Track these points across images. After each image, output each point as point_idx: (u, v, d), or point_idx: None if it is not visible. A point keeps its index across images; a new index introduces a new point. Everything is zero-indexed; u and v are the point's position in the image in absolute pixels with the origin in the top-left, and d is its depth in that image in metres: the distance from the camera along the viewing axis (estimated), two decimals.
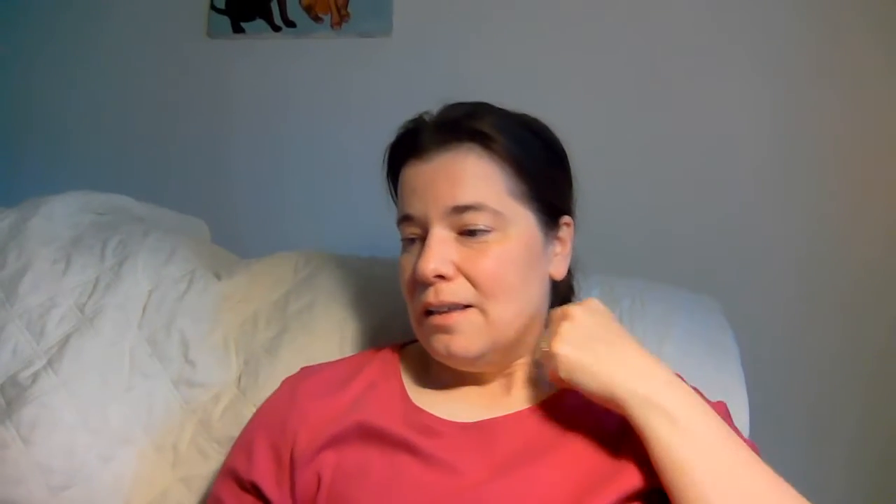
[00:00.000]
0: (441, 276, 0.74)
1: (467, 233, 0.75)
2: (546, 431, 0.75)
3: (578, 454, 0.72)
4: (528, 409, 0.78)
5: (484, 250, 0.75)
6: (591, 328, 0.72)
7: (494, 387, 0.81)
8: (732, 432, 0.68)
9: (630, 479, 0.69)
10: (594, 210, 1.25)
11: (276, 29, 1.46)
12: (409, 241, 0.79)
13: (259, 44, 1.47)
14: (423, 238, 0.77)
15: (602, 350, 0.70)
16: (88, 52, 1.52)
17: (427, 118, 0.82)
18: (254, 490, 0.75)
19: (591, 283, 1.07)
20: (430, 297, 0.75)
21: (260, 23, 1.47)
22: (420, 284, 0.76)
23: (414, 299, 0.78)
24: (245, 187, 1.47)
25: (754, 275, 1.31)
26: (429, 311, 0.76)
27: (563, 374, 0.71)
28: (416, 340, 0.90)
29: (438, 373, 0.84)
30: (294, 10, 1.46)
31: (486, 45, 1.41)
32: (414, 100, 1.37)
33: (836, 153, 1.30)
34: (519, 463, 0.72)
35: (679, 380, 0.71)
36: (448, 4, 1.43)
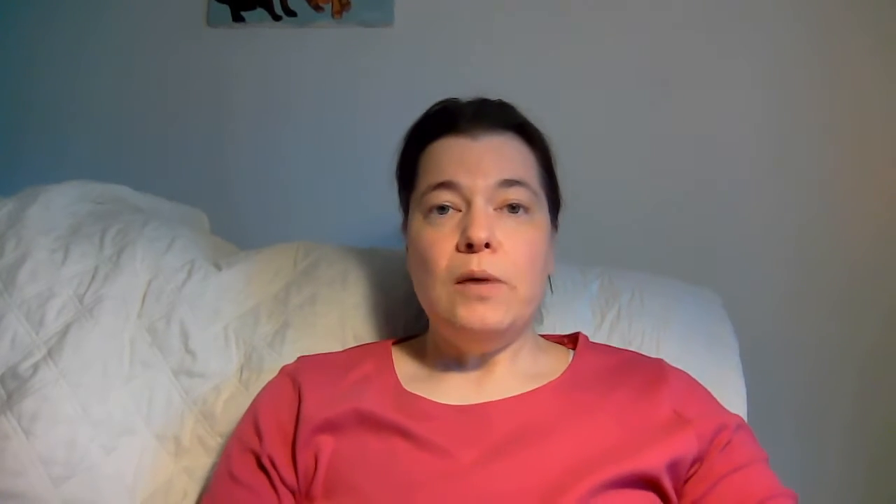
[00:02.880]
0: (488, 245, 0.77)
1: (509, 208, 0.79)
2: (542, 415, 0.76)
3: (575, 437, 0.73)
4: (524, 393, 0.79)
5: (522, 229, 0.79)
6: None
7: (483, 374, 0.83)
8: None
9: (634, 460, 0.71)
10: (594, 203, 1.26)
11: (277, 18, 1.45)
12: (438, 212, 0.80)
13: (259, 33, 1.46)
14: (457, 208, 0.79)
15: None
16: (86, 41, 1.51)
17: (462, 102, 0.86)
18: (270, 465, 0.76)
19: (590, 276, 1.07)
20: (474, 264, 0.76)
21: (260, 12, 1.46)
22: (460, 252, 0.77)
23: (447, 267, 0.78)
24: (244, 177, 1.46)
25: (754, 268, 1.32)
26: (462, 281, 0.77)
27: None
28: (409, 337, 0.92)
29: (433, 362, 0.85)
30: (294, 0, 1.45)
31: (488, 35, 1.40)
32: (416, 90, 1.39)
33: (831, 148, 1.30)
34: (514, 446, 0.73)
35: None
36: None
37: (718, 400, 0.83)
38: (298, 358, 0.88)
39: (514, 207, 0.80)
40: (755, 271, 1.31)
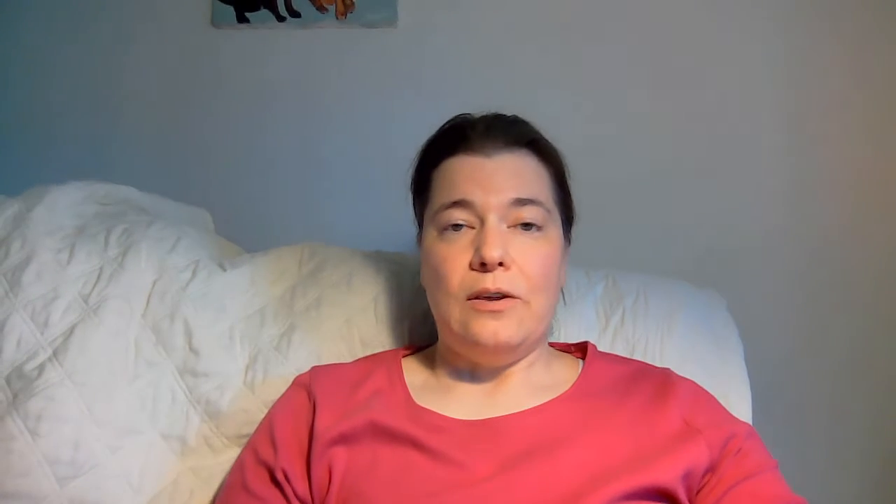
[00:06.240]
0: (501, 264, 0.77)
1: (522, 226, 0.80)
2: (555, 427, 0.76)
3: (589, 448, 0.74)
4: (536, 406, 0.79)
5: (535, 245, 0.80)
6: None
7: (497, 385, 0.83)
8: None
9: (650, 472, 0.71)
10: (600, 204, 1.26)
11: (281, 19, 1.45)
12: (452, 229, 0.80)
13: (263, 34, 1.46)
14: (471, 226, 0.80)
15: None
16: (90, 40, 1.50)
17: (475, 118, 0.86)
18: (284, 479, 0.77)
19: (595, 278, 1.07)
20: (488, 283, 0.77)
21: (264, 13, 1.45)
22: (473, 270, 0.78)
23: (460, 284, 0.79)
24: (248, 178, 1.46)
25: (759, 270, 1.31)
26: (475, 297, 0.78)
27: None
28: (419, 348, 0.92)
29: (444, 374, 0.85)
30: (299, 0, 1.45)
31: (491, 36, 1.40)
32: (419, 91, 1.39)
33: (837, 147, 1.30)
34: (529, 458, 0.73)
35: None
36: None
37: (723, 403, 0.84)
38: (312, 368, 0.88)
39: (527, 225, 0.80)
40: (760, 273, 1.31)
